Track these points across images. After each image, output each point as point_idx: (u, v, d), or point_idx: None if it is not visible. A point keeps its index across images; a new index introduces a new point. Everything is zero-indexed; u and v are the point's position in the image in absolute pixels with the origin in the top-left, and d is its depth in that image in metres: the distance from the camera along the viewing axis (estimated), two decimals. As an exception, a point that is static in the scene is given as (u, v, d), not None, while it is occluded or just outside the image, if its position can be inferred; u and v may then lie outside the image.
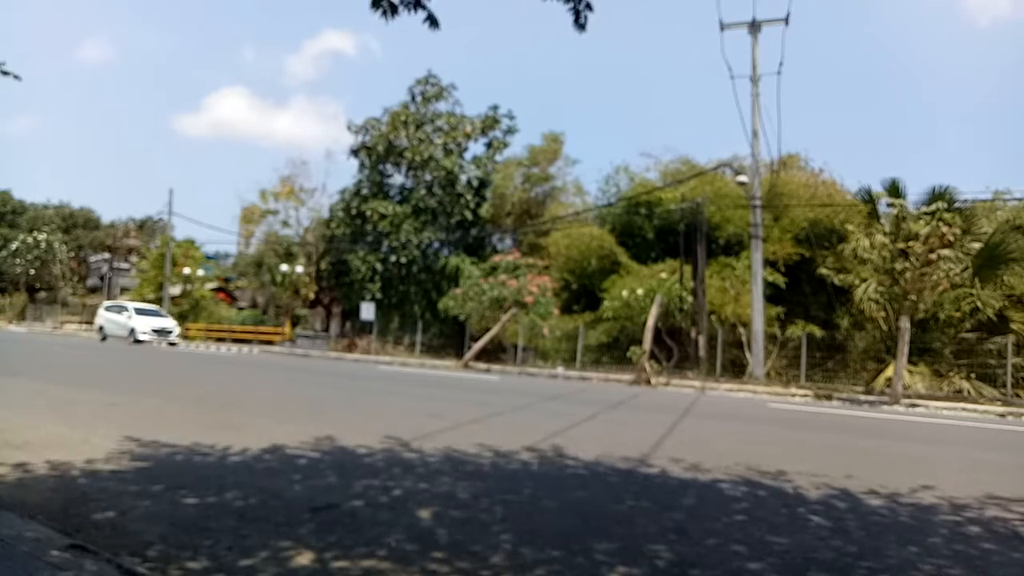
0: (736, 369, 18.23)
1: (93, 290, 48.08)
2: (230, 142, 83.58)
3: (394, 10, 3.64)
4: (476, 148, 30.47)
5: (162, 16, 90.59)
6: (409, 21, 3.75)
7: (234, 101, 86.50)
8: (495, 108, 30.36)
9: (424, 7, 3.69)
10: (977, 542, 3.46)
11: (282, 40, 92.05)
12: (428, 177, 28.80)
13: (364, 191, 29.83)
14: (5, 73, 5.37)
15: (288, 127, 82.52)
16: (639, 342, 17.20)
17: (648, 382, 15.84)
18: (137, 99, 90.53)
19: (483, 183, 29.22)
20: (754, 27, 18.28)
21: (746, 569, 2.86)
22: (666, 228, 22.59)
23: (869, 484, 4.67)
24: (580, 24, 3.84)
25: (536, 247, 26.12)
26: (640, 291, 19.46)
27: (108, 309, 28.46)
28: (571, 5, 3.78)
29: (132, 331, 25.61)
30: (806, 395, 14.29)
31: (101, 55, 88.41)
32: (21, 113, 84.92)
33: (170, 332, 26.22)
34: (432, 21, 3.75)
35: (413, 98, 30.43)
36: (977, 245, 14.47)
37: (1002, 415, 12.14)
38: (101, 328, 27.81)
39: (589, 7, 3.80)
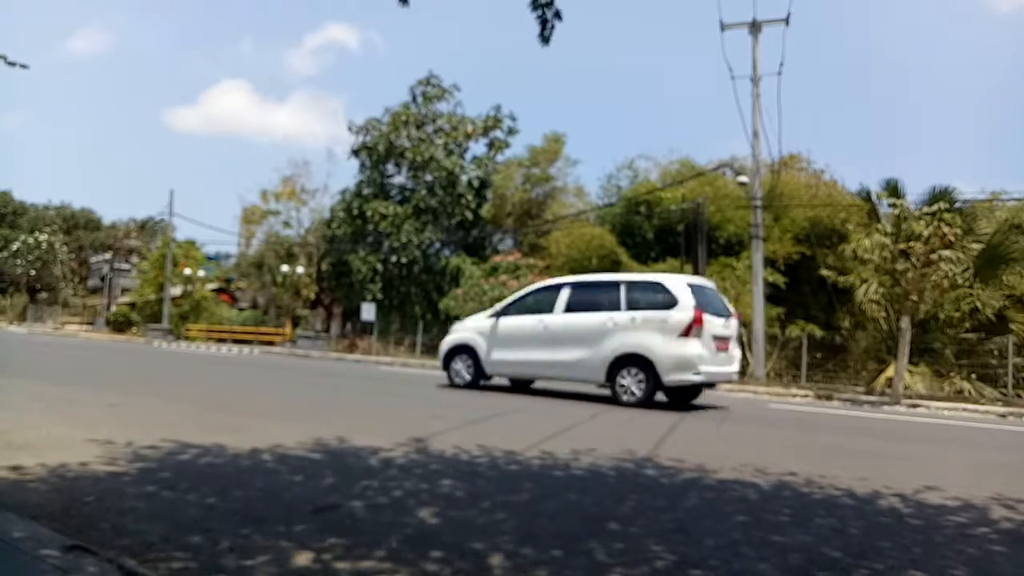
0: (737, 369, 18.20)
1: (94, 291, 48.19)
2: (229, 138, 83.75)
3: None
4: (477, 148, 30.51)
5: (157, 6, 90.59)
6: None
7: (233, 96, 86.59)
8: (497, 108, 30.40)
9: None
10: (982, 542, 3.46)
11: (282, 34, 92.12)
12: (429, 177, 28.81)
13: (365, 191, 29.85)
14: (12, 64, 5.32)
15: (288, 123, 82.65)
16: (640, 342, 17.15)
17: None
18: (132, 94, 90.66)
19: (484, 183, 29.24)
20: (754, 27, 18.27)
21: (749, 569, 2.85)
22: (666, 228, 22.60)
23: (872, 484, 4.66)
24: (545, 36, 3.59)
25: (537, 247, 26.12)
26: (641, 291, 19.45)
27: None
28: (538, 13, 3.57)
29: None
30: (807, 395, 14.27)
31: (94, 47, 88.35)
32: (17, 109, 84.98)
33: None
34: None
35: (414, 98, 30.46)
36: (977, 245, 14.47)
37: (1003, 415, 12.12)
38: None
39: (558, 16, 3.60)
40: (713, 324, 9.95)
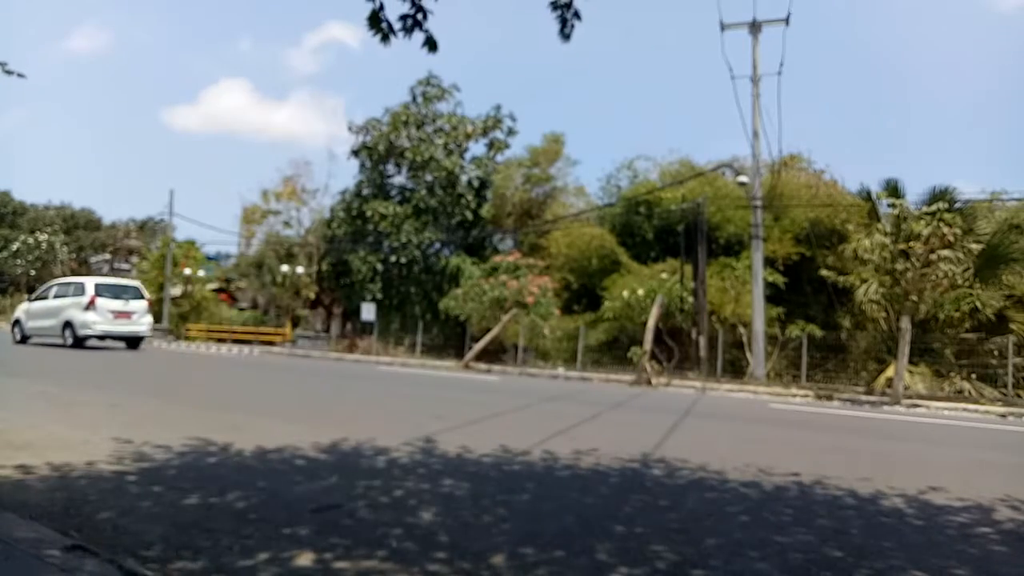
0: (736, 369, 18.21)
1: (94, 291, 48.04)
2: (229, 137, 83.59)
3: (392, 32, 3.49)
4: (477, 148, 30.50)
5: (155, 4, 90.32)
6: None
7: (233, 95, 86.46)
8: (497, 109, 30.40)
9: (423, 29, 3.54)
10: (983, 542, 3.45)
11: (282, 32, 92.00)
12: (429, 177, 28.80)
13: (365, 191, 29.84)
14: (9, 72, 5.37)
15: (289, 122, 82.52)
16: (640, 342, 17.18)
17: (649, 382, 15.83)
18: (131, 92, 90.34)
19: (484, 183, 29.22)
20: (754, 27, 18.27)
21: (749, 569, 2.85)
22: (666, 228, 22.58)
23: (873, 484, 4.66)
24: (565, 34, 3.70)
25: (537, 247, 26.09)
26: (641, 291, 19.44)
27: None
28: (558, 13, 3.64)
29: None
30: (807, 395, 14.27)
31: (92, 45, 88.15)
32: (16, 108, 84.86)
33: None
34: (431, 45, 3.60)
35: (414, 98, 30.45)
36: (977, 245, 14.46)
37: (1003, 415, 12.12)
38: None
39: (577, 16, 3.67)
40: (110, 304, 18.00)
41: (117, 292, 18.69)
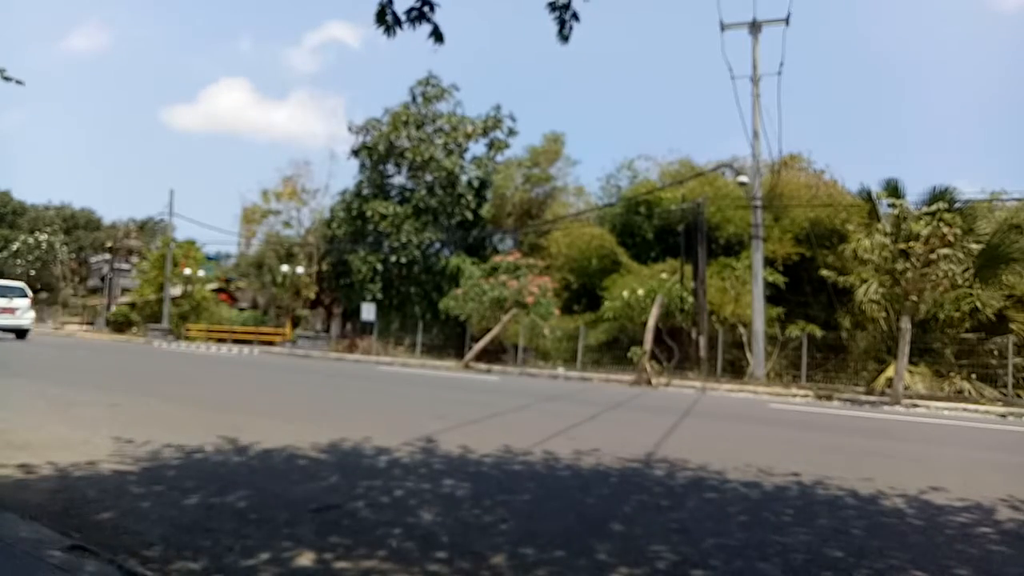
0: (736, 369, 18.20)
1: (94, 291, 48.15)
2: (228, 137, 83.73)
3: (398, 24, 3.54)
4: (477, 149, 30.48)
5: (154, 3, 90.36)
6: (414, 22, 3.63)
7: (232, 94, 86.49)
8: (497, 109, 30.37)
9: (429, 20, 3.57)
10: (983, 542, 3.45)
11: (282, 32, 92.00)
12: (429, 177, 28.79)
13: (365, 191, 29.83)
14: (7, 79, 5.40)
15: (288, 122, 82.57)
16: (640, 342, 17.18)
17: (649, 382, 15.83)
18: (131, 92, 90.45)
19: (484, 183, 29.21)
20: (755, 27, 18.26)
21: (749, 569, 2.85)
22: (666, 228, 22.58)
23: (872, 484, 4.66)
24: (564, 35, 3.74)
25: (537, 247, 26.08)
26: (641, 291, 19.44)
27: None
28: (556, 15, 3.68)
29: None
30: (807, 395, 14.27)
31: (92, 45, 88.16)
32: (16, 108, 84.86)
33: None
34: (437, 36, 3.63)
35: (414, 98, 30.44)
36: (977, 245, 14.44)
37: (1003, 415, 12.12)
38: None
39: (576, 17, 3.71)
40: None
41: (2, 291, 21.77)
